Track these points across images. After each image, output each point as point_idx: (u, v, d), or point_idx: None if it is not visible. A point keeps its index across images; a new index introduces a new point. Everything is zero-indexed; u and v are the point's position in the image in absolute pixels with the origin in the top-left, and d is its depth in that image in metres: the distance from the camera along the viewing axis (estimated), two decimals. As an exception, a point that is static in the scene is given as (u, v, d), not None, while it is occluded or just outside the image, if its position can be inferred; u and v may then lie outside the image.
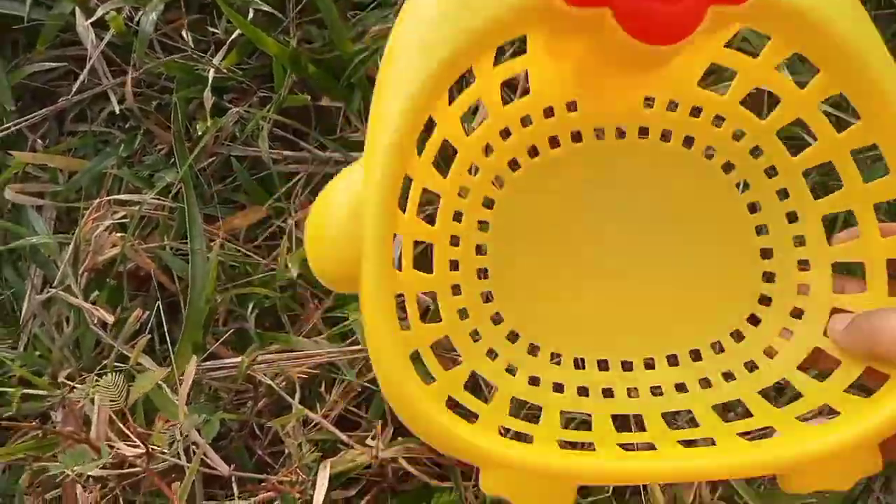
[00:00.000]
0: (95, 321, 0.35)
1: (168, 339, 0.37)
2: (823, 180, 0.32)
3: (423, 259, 0.28)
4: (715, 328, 0.29)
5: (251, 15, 0.44)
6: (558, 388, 0.28)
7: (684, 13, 0.21)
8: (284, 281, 0.40)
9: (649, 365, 0.29)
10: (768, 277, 0.29)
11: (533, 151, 0.30)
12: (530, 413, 0.29)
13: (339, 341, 0.38)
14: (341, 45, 0.44)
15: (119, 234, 0.37)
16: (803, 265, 0.28)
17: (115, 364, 0.35)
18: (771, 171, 0.29)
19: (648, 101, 0.30)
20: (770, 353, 0.28)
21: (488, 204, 0.29)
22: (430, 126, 0.25)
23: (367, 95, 0.45)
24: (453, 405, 0.24)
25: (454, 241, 0.29)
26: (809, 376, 0.27)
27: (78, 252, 0.36)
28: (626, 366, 0.29)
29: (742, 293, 0.29)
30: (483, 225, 0.29)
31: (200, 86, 0.43)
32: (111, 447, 0.28)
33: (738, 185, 0.30)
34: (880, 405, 0.23)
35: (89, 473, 0.28)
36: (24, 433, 0.32)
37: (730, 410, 0.30)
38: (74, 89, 0.43)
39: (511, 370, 0.29)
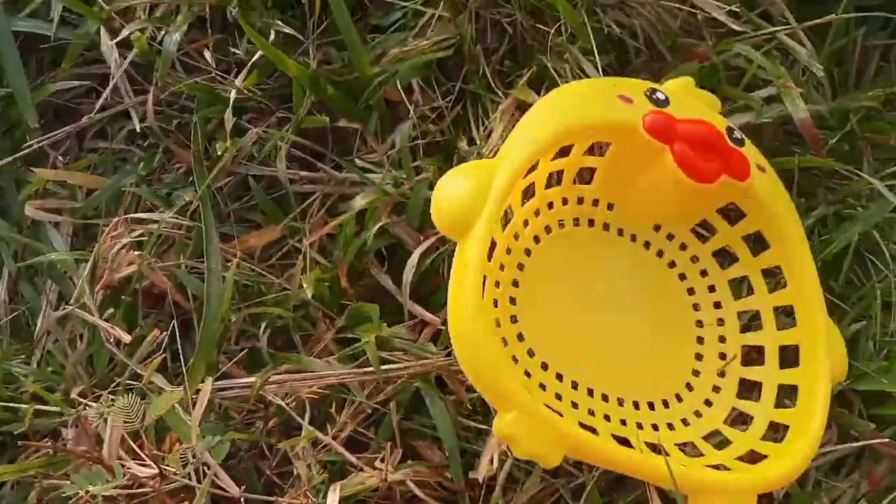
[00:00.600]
0: (111, 339, 0.35)
1: (182, 357, 0.37)
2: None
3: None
4: (668, 387, 0.39)
5: (272, 36, 0.45)
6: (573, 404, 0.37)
7: (711, 170, 0.36)
8: (298, 301, 0.40)
9: (633, 403, 0.38)
10: (699, 357, 0.41)
11: (561, 224, 0.41)
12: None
13: (350, 362, 0.38)
14: (360, 67, 0.44)
15: (136, 253, 0.38)
16: (721, 374, 0.40)
17: (128, 382, 0.35)
18: (712, 288, 0.41)
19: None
20: (698, 413, 0.39)
21: (527, 252, 0.39)
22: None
23: (384, 117, 0.45)
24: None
25: (501, 267, 0.38)
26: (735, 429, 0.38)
27: (95, 269, 0.37)
28: (621, 401, 0.38)
29: (683, 365, 0.40)
30: (520, 266, 0.39)
31: (220, 106, 0.44)
32: (123, 466, 0.28)
33: (688, 291, 0.42)
34: (762, 470, 0.35)
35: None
36: (34, 448, 0.33)
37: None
38: (97, 107, 0.44)
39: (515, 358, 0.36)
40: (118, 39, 0.43)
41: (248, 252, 0.43)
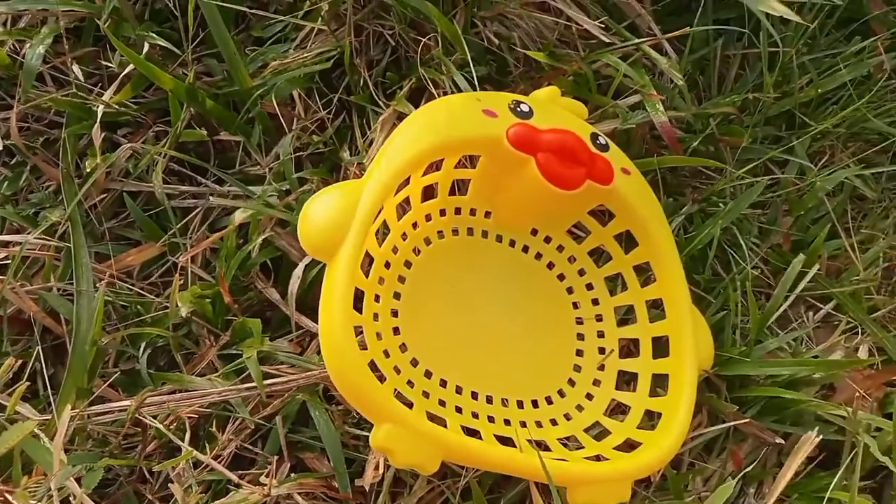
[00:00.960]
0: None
1: (51, 385, 0.36)
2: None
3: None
4: (550, 385, 0.41)
5: (146, 49, 0.43)
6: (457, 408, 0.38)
7: (574, 176, 0.38)
8: (178, 319, 0.39)
9: (517, 402, 0.40)
10: (579, 353, 0.42)
11: (440, 235, 0.42)
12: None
13: (234, 378, 0.38)
14: (239, 79, 0.44)
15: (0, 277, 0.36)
16: (601, 368, 0.42)
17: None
18: (589, 286, 0.44)
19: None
20: (580, 407, 0.41)
21: (407, 264, 0.40)
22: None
23: (268, 129, 0.45)
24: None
25: (381, 281, 0.39)
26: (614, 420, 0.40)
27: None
28: (505, 402, 0.39)
29: (564, 362, 0.42)
30: (401, 279, 0.40)
31: (91, 121, 0.42)
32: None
33: (567, 290, 0.44)
34: (635, 457, 0.37)
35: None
36: None
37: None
38: (-48, 125, 0.41)
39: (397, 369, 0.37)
40: (-27, 53, 0.40)
41: (126, 271, 0.41)
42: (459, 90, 0.43)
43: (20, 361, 0.34)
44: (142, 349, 0.38)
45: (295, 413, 0.38)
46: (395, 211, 0.40)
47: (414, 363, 0.38)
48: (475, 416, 0.38)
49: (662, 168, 0.45)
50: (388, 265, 0.39)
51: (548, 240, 0.44)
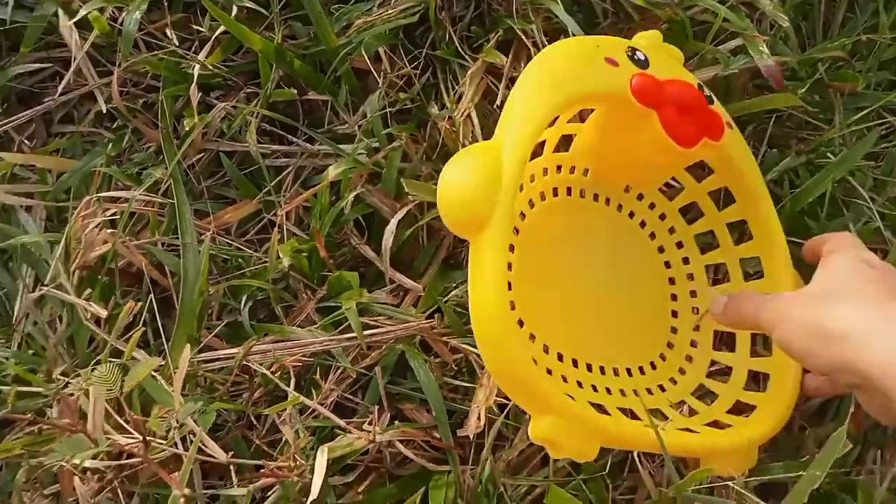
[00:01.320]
0: (89, 317, 0.35)
1: (163, 333, 0.37)
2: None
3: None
4: (651, 350, 0.40)
5: (234, 12, 0.44)
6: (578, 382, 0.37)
7: (695, 133, 0.36)
8: (277, 273, 0.40)
9: (626, 370, 0.39)
10: (675, 314, 0.41)
11: (542, 197, 0.40)
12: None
13: (333, 330, 0.38)
14: (326, 39, 0.44)
15: (110, 231, 0.37)
16: (695, 311, 0.41)
17: (110, 359, 0.35)
18: (679, 244, 0.42)
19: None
20: (682, 370, 0.40)
21: (515, 231, 0.38)
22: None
23: (354, 88, 0.45)
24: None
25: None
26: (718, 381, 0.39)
27: (69, 250, 0.36)
28: (616, 371, 0.38)
29: (662, 325, 0.41)
30: (511, 247, 0.37)
31: (187, 83, 0.43)
32: (108, 438, 0.28)
33: (658, 249, 0.42)
34: (756, 424, 0.36)
35: (86, 465, 0.28)
36: (20, 429, 0.32)
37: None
38: (60, 90, 0.43)
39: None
40: (76, 20, 0.42)
41: (224, 227, 0.42)
42: (548, 42, 0.42)
43: (138, 305, 0.36)
44: (243, 301, 0.39)
45: (393, 364, 0.38)
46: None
47: (532, 338, 0.36)
48: (594, 389, 0.36)
49: (765, 117, 0.43)
50: None
51: (640, 197, 0.42)
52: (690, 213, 0.43)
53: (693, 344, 0.41)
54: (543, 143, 0.40)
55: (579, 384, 0.36)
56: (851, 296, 0.31)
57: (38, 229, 0.41)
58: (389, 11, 0.45)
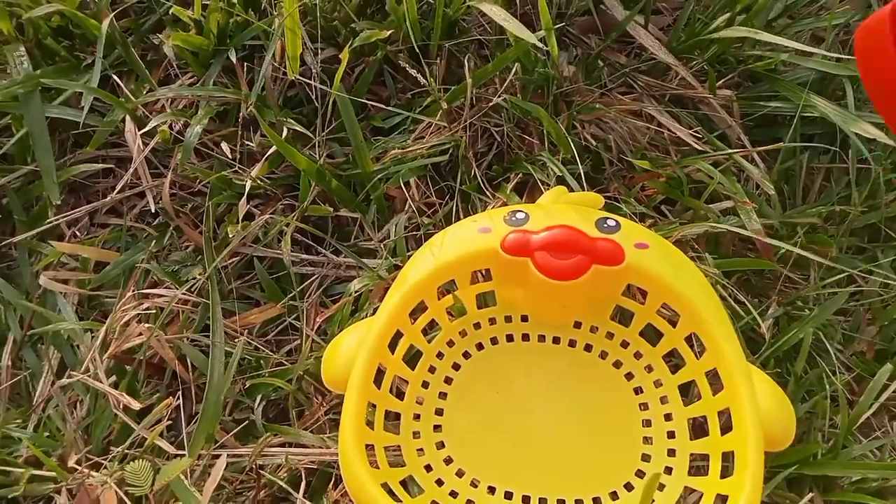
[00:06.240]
0: (119, 406, 0.37)
1: (183, 425, 0.39)
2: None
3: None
4: (614, 479, 0.40)
5: (285, 133, 0.49)
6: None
7: (573, 266, 0.39)
8: (294, 375, 0.42)
9: (577, 502, 0.39)
10: (645, 458, 0.40)
11: (493, 341, 0.44)
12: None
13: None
14: (363, 163, 0.49)
15: (147, 325, 0.40)
16: (671, 453, 0.40)
17: (126, 451, 0.37)
18: (657, 383, 0.42)
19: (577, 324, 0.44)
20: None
21: (448, 380, 0.43)
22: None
23: (383, 209, 0.49)
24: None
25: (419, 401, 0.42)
26: None
27: (107, 340, 0.39)
28: (542, 501, 0.39)
29: (631, 454, 0.41)
30: (442, 395, 0.42)
31: (232, 191, 0.48)
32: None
33: (626, 376, 0.43)
34: None
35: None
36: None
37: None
38: (117, 189, 0.47)
39: (439, 481, 0.39)
40: (145, 130, 0.46)
41: (247, 327, 0.45)
42: (562, 183, 0.47)
43: (176, 402, 0.38)
44: (257, 401, 0.41)
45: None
46: (420, 331, 0.43)
47: (447, 461, 0.40)
48: None
49: (748, 271, 0.48)
50: (425, 384, 0.42)
51: (594, 329, 0.43)
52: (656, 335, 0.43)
53: (667, 471, 0.40)
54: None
55: None
56: None
57: (73, 316, 0.43)
58: (423, 148, 0.50)
